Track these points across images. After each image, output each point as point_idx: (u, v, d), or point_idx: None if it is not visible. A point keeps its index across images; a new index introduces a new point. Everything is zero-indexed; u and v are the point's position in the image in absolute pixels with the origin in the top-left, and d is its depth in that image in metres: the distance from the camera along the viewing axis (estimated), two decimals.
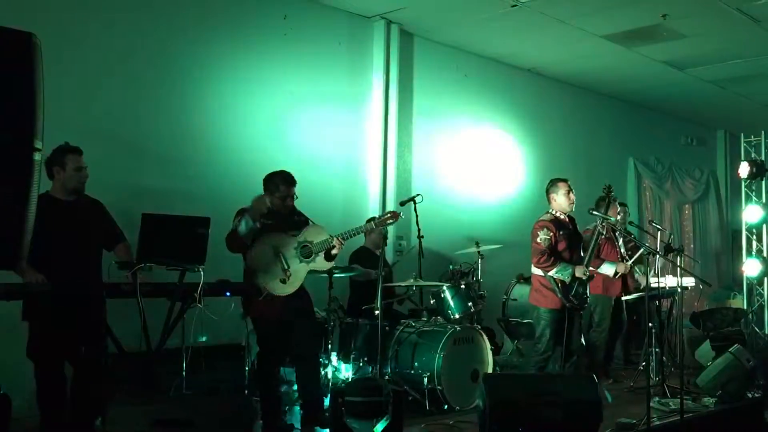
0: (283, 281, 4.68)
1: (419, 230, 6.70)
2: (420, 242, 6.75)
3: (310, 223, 4.95)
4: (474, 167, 8.61)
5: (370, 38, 7.59)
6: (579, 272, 5.44)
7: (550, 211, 5.69)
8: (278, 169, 5.03)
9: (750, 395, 6.10)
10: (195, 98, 6.23)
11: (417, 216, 6.57)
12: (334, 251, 4.88)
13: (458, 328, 5.66)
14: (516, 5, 7.04)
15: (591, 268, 5.60)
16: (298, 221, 4.93)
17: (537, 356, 5.58)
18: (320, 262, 4.86)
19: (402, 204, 6.67)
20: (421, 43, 8.07)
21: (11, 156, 1.68)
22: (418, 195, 6.44)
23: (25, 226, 1.72)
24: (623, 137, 10.89)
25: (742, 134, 10.27)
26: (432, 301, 6.34)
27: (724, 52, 8.55)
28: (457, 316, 6.16)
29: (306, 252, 4.80)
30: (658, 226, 6.99)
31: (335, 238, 4.83)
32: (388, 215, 5.16)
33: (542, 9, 7.17)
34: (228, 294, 4.71)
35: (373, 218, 5.69)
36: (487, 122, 8.82)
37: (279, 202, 4.84)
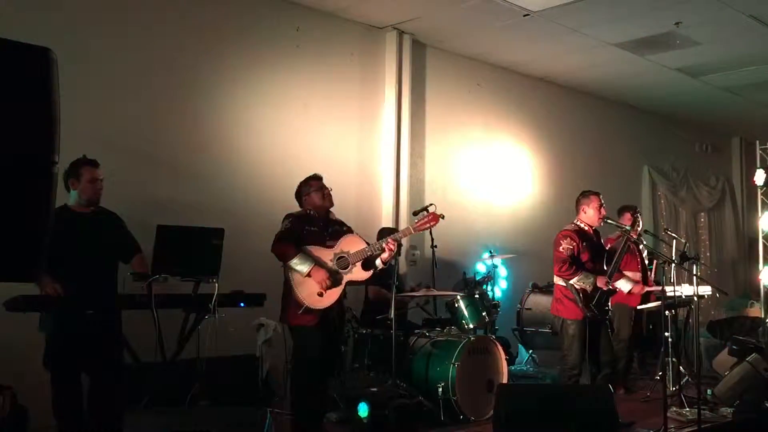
0: (321, 294, 4.67)
1: (432, 240, 6.70)
2: (433, 252, 6.74)
3: (346, 231, 4.93)
4: (487, 176, 8.60)
5: (382, 49, 7.62)
6: (600, 282, 5.41)
7: (576, 221, 5.65)
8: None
9: None
10: (209, 111, 6.27)
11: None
12: (384, 255, 4.77)
13: (473, 338, 5.65)
14: (528, 15, 7.04)
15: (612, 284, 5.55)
16: (338, 230, 4.92)
17: (568, 371, 5.51)
18: (357, 273, 4.80)
19: (415, 213, 6.62)
20: (433, 53, 8.09)
21: (30, 169, 1.70)
22: (431, 204, 6.38)
23: (43, 239, 1.73)
24: (638, 145, 10.83)
25: (758, 141, 10.20)
26: (446, 311, 6.33)
27: (738, 59, 8.50)
28: (471, 326, 6.14)
29: (343, 263, 4.76)
30: (673, 235, 6.95)
31: (386, 242, 4.73)
32: (429, 217, 4.85)
33: (554, 18, 7.17)
34: (242, 305, 4.72)
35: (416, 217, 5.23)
36: (500, 131, 8.81)
37: (319, 199, 4.86)
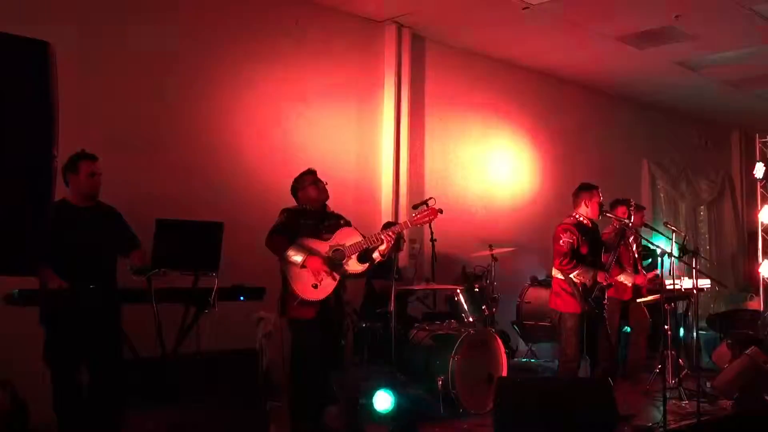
0: (315, 286, 4.67)
1: (432, 234, 6.70)
2: (433, 246, 6.74)
3: (343, 224, 4.92)
4: (487, 170, 8.60)
5: (381, 42, 7.60)
6: (601, 277, 5.41)
7: (575, 215, 5.65)
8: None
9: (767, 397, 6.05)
10: (209, 105, 6.26)
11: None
12: (382, 247, 4.76)
13: (472, 332, 5.65)
14: (527, 8, 7.02)
15: (611, 278, 5.56)
16: (335, 224, 4.92)
17: (566, 363, 5.52)
18: (353, 266, 4.80)
19: (415, 207, 6.64)
20: (432, 46, 8.07)
21: (29, 163, 1.70)
22: (430, 198, 6.37)
23: (43, 232, 1.73)
24: (637, 139, 10.83)
25: (758, 135, 10.21)
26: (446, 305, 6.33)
27: (737, 52, 8.49)
28: (471, 319, 6.15)
29: (339, 256, 4.76)
30: (673, 228, 6.95)
31: (383, 234, 4.73)
32: (428, 212, 4.82)
33: (554, 11, 7.15)
34: (242, 298, 4.72)
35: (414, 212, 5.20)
36: (499, 125, 8.80)
37: (314, 192, 4.86)
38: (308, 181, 4.92)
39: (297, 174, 5.07)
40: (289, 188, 5.04)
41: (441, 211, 4.85)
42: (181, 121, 6.08)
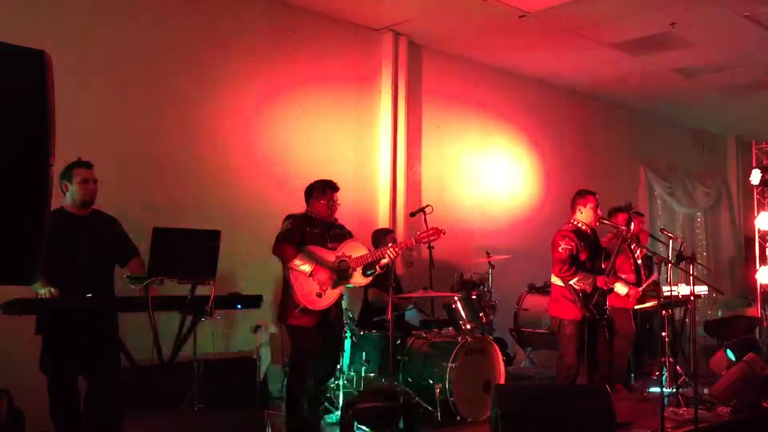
0: (319, 295, 4.69)
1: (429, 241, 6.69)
2: (430, 253, 6.74)
3: (350, 237, 4.95)
4: (483, 177, 8.61)
5: (378, 50, 7.62)
6: (600, 282, 5.41)
7: (572, 221, 5.65)
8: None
9: (765, 404, 6.04)
10: (206, 114, 6.27)
11: (427, 227, 6.56)
12: (384, 261, 4.81)
13: (470, 339, 5.65)
14: (524, 15, 7.05)
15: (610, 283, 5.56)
16: (339, 234, 4.94)
17: (565, 370, 5.52)
18: (357, 278, 4.84)
19: (412, 215, 6.66)
20: (429, 54, 8.09)
21: (25, 173, 1.70)
22: (428, 206, 6.43)
23: (40, 241, 1.73)
24: (634, 146, 10.85)
25: (754, 141, 10.23)
26: (444, 313, 6.32)
27: (733, 59, 8.52)
28: (468, 326, 6.14)
29: (344, 267, 4.79)
30: (670, 235, 6.95)
31: (388, 248, 4.78)
32: (431, 231, 4.95)
33: (550, 19, 7.18)
34: (239, 306, 4.72)
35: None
36: (496, 132, 8.82)
37: (325, 209, 4.87)
38: (327, 197, 4.90)
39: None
40: (303, 189, 5.02)
41: (444, 232, 4.95)
42: (179, 130, 6.08)
